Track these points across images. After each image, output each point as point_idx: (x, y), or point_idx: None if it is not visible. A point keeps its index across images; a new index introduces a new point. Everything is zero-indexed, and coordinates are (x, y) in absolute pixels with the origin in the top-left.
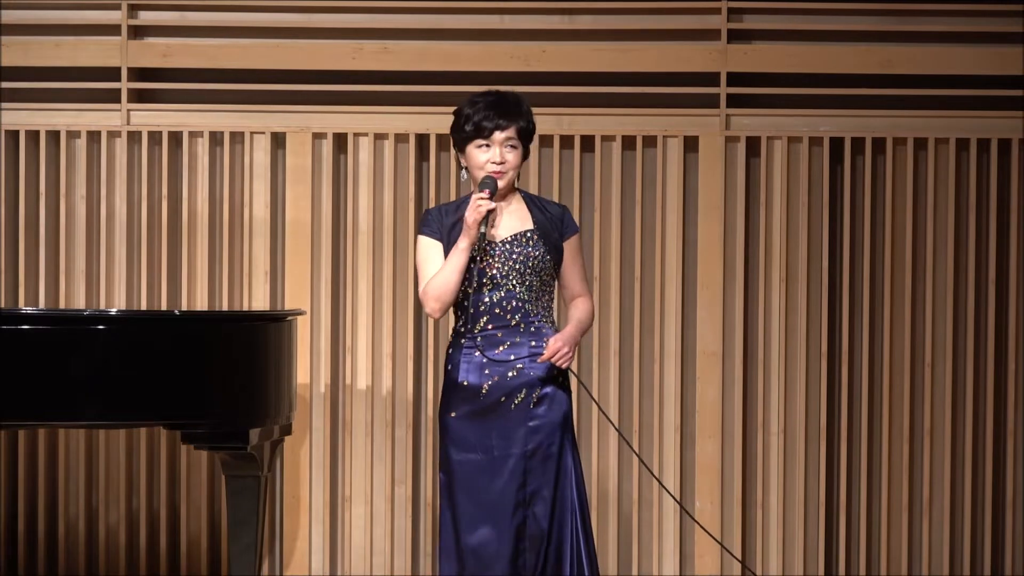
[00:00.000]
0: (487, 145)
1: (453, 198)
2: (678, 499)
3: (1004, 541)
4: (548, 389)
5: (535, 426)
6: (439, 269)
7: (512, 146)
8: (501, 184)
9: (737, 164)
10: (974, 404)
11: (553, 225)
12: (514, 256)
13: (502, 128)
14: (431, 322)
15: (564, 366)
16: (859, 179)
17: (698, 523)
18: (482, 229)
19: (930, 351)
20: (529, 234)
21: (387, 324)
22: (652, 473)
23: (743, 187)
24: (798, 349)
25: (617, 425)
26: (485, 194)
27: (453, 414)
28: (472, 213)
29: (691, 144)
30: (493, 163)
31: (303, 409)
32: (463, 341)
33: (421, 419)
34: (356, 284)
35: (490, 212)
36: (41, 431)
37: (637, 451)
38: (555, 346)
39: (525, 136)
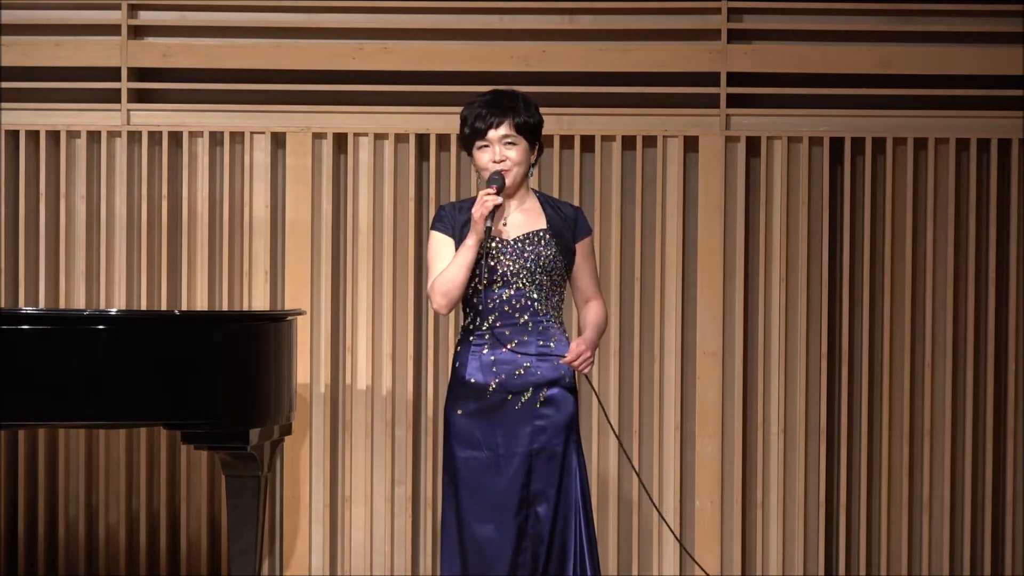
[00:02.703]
0: (486, 145)
1: (453, 198)
2: (678, 536)
3: (1004, 541)
4: (555, 390)
5: (541, 426)
6: (447, 265)
7: (510, 143)
8: (508, 181)
9: (737, 164)
10: (974, 404)
11: (566, 226)
12: (525, 255)
13: (495, 126)
14: (431, 322)
15: (586, 371)
16: (859, 179)
17: (698, 564)
18: (487, 224)
19: (930, 351)
20: (542, 233)
21: (387, 324)
22: (653, 503)
23: (743, 187)
24: (798, 349)
25: (619, 427)
26: (492, 190)
27: (459, 411)
28: (478, 208)
29: (691, 144)
30: (494, 162)
31: (303, 409)
32: (471, 338)
33: (421, 419)
34: (356, 284)
35: (496, 208)
36: (41, 431)
37: (637, 470)
38: (578, 349)
39: (525, 131)
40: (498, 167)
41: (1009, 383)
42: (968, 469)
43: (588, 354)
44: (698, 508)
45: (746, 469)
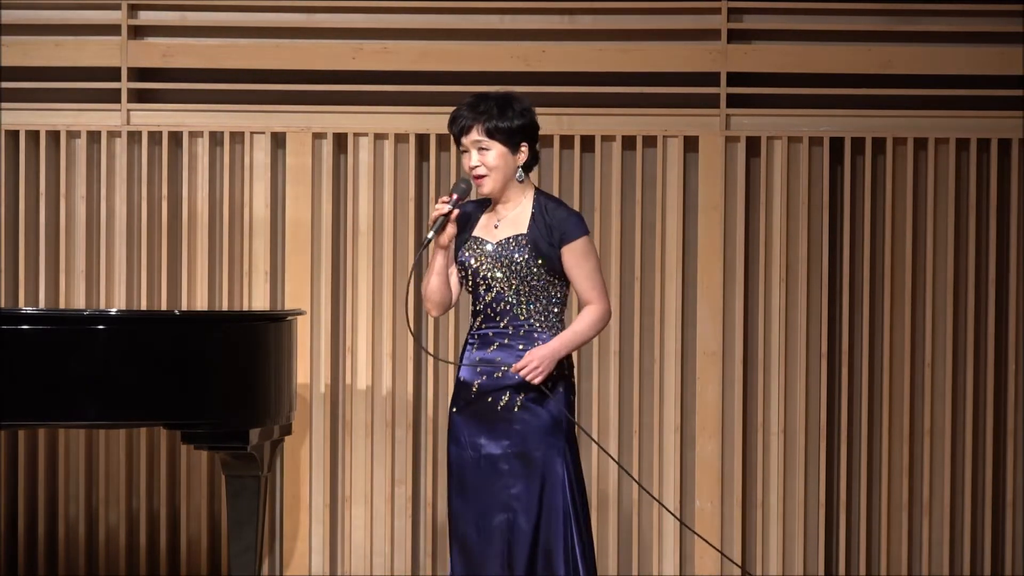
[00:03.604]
0: (466, 150)
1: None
2: (678, 516)
3: (1004, 541)
4: (534, 394)
5: (519, 430)
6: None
7: (483, 148)
8: (486, 188)
9: (737, 164)
10: (974, 404)
11: (550, 231)
12: (503, 259)
13: (466, 131)
14: (431, 322)
15: (534, 382)
16: (859, 179)
17: (700, 536)
18: (428, 235)
19: (930, 351)
20: (520, 238)
21: (387, 324)
22: (652, 495)
23: (743, 187)
24: (798, 349)
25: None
26: (447, 198)
27: (454, 409)
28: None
29: (691, 144)
30: (470, 168)
31: (303, 409)
32: (468, 338)
33: (421, 419)
34: (356, 284)
35: (446, 217)
36: (41, 431)
37: (636, 476)
38: (525, 360)
39: (499, 135)
40: (473, 172)
41: (1009, 383)
42: (968, 470)
43: (535, 364)
44: (698, 508)
45: (746, 469)
